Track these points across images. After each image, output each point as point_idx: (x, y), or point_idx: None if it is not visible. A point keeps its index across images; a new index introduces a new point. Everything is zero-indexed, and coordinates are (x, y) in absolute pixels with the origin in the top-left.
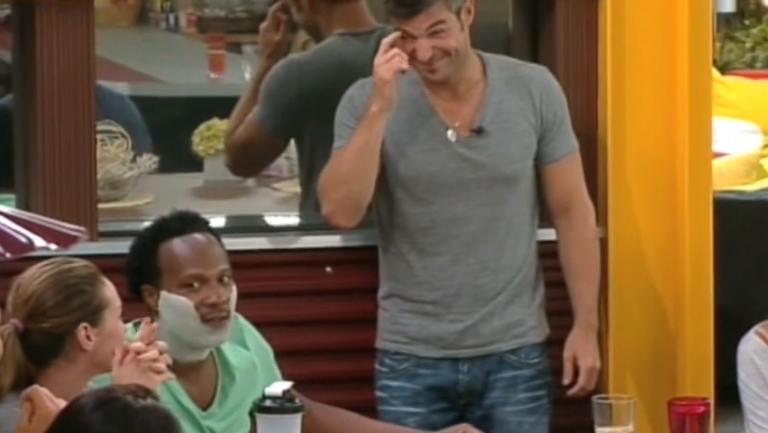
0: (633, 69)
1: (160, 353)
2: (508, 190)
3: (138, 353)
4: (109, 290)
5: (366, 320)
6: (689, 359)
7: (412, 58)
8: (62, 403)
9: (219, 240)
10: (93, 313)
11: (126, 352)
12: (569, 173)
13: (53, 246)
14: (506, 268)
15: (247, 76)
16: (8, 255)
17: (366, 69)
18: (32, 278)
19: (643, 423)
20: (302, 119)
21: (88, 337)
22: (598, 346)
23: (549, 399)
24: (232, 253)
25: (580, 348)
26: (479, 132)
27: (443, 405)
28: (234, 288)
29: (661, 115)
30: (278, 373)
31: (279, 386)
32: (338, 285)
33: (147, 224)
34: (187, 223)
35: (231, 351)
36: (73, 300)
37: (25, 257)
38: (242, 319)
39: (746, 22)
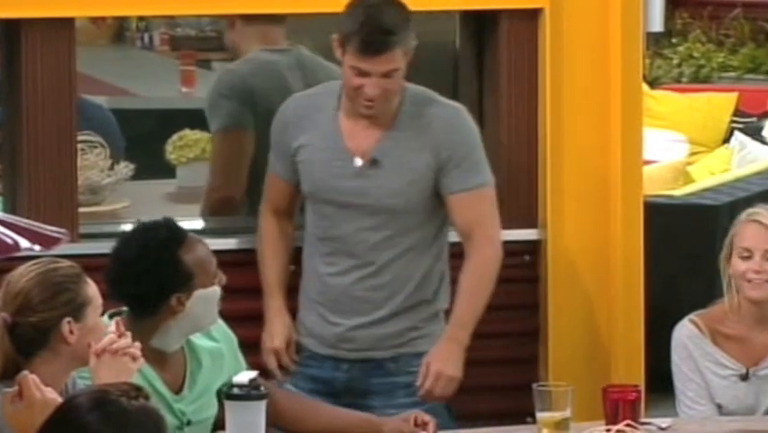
0: (570, 83)
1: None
2: (393, 220)
3: (112, 344)
4: (91, 289)
5: None
6: (621, 349)
7: (355, 90)
8: (49, 392)
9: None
10: (77, 309)
11: (102, 349)
12: (468, 207)
13: (37, 247)
14: (386, 286)
15: None
16: None
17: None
18: (21, 276)
19: (580, 409)
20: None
21: (71, 331)
22: (461, 360)
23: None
24: None
25: (435, 356)
26: (373, 162)
27: (330, 400)
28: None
29: (596, 125)
30: (242, 359)
31: (246, 375)
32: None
33: (140, 242)
34: (179, 229)
35: (198, 339)
36: (59, 297)
37: (12, 257)
38: None
39: (674, 40)
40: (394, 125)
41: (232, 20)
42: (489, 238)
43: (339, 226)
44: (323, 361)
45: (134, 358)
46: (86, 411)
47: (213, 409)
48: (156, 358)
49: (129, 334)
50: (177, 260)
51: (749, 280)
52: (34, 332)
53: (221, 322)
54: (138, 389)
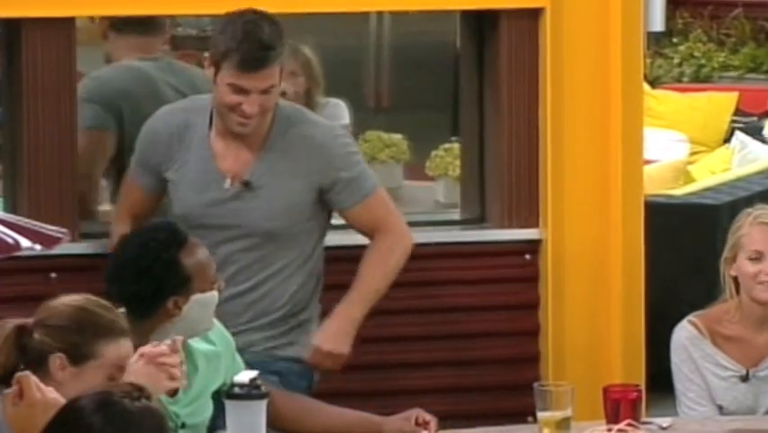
0: (571, 82)
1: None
2: (270, 242)
3: (161, 355)
4: (112, 351)
5: None
6: (622, 349)
7: (230, 109)
8: (50, 392)
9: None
10: (79, 355)
11: (150, 356)
12: (365, 214)
13: (38, 247)
14: (258, 302)
15: None
16: None
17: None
18: (68, 298)
19: (580, 408)
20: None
21: (62, 368)
22: (349, 336)
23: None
24: None
25: (322, 334)
26: (246, 185)
27: None
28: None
29: (596, 124)
30: (240, 360)
31: (247, 375)
32: None
33: (141, 242)
34: (180, 231)
35: (195, 342)
36: (70, 335)
37: (12, 257)
38: None
39: (674, 40)
40: (266, 146)
41: (104, 31)
42: (392, 230)
43: (215, 249)
44: None
45: (172, 378)
46: (89, 413)
47: (208, 412)
48: None
49: (182, 355)
50: (176, 262)
51: (761, 283)
52: (36, 352)
53: (218, 324)
54: (140, 389)
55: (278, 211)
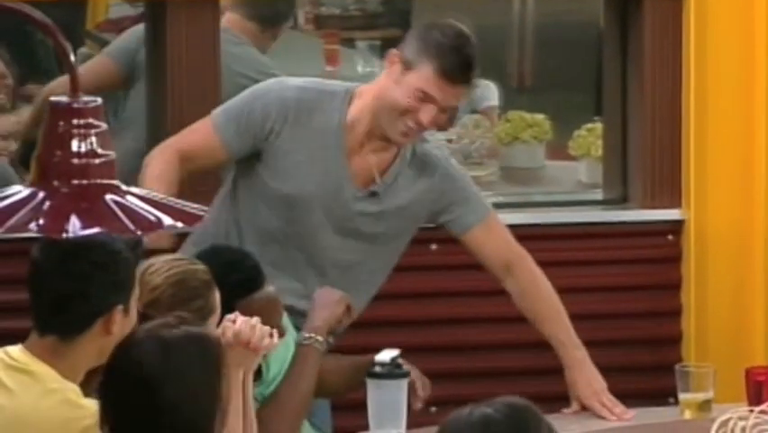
0: (714, 63)
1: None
2: (372, 246)
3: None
4: (218, 298)
5: None
6: (765, 330)
7: (401, 112)
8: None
9: None
10: (203, 318)
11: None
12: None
13: (180, 224)
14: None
15: (359, 69)
16: (139, 232)
17: None
18: (161, 270)
19: (722, 389)
20: None
21: None
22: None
23: None
24: None
25: (577, 382)
26: (372, 194)
27: None
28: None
29: (740, 106)
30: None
31: (387, 354)
32: None
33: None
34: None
35: None
36: (191, 303)
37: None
38: None
39: None
40: (398, 159)
41: None
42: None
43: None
44: None
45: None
46: (139, 342)
47: None
48: None
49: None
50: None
51: None
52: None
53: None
54: (182, 318)
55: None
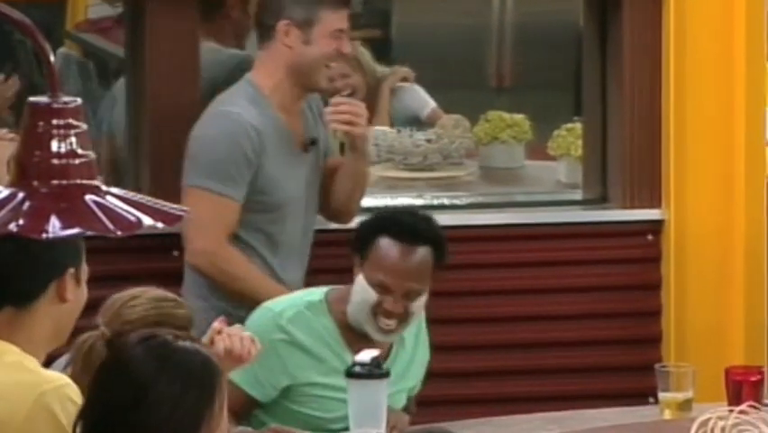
0: (693, 62)
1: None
2: None
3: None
4: None
5: None
6: (745, 330)
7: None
8: None
9: (439, 256)
10: None
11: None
12: None
13: (160, 224)
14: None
15: None
16: (119, 233)
17: None
18: (137, 304)
19: (702, 389)
20: None
21: None
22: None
23: None
24: None
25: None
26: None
27: None
28: (417, 303)
29: (719, 104)
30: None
31: (368, 354)
32: None
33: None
34: (415, 230)
35: None
36: None
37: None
38: None
39: None
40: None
41: None
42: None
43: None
44: None
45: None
46: (131, 346)
47: (411, 382)
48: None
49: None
50: (373, 238)
51: None
52: None
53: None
54: (190, 336)
55: None
